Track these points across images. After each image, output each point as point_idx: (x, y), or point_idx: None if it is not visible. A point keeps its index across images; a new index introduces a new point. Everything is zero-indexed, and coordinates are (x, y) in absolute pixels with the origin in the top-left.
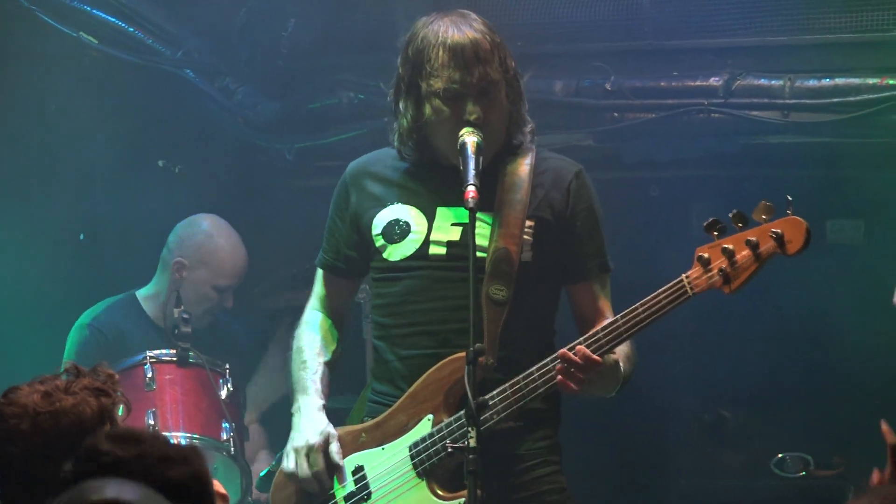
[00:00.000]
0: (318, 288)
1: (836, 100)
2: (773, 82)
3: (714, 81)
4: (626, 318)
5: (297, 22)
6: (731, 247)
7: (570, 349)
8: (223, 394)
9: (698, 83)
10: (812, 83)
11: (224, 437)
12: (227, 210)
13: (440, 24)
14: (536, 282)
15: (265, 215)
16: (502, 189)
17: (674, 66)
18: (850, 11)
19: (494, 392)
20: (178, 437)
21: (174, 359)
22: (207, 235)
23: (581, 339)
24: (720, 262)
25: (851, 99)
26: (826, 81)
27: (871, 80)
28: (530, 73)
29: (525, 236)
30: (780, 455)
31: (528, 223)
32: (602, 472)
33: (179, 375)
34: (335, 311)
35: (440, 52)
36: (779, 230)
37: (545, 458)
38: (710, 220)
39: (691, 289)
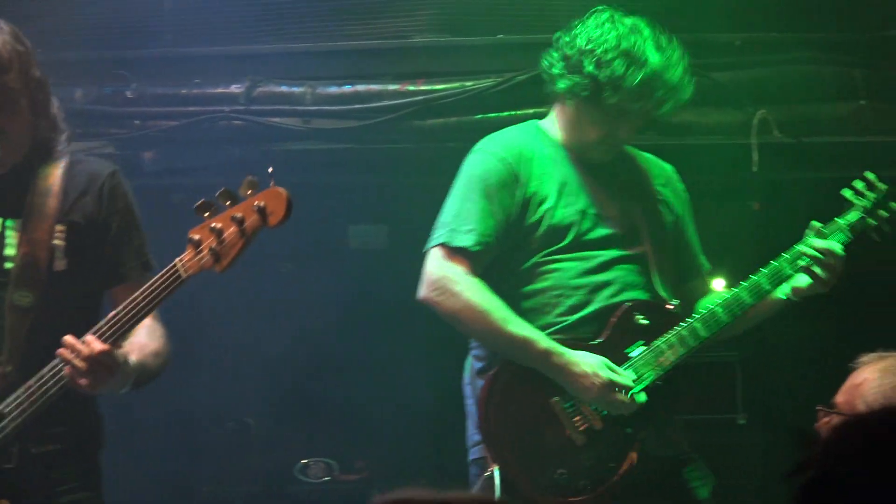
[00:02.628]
0: None
1: (357, 106)
2: (294, 89)
3: (235, 89)
4: (127, 308)
5: None
6: (219, 225)
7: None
8: None
9: (220, 90)
10: (333, 90)
11: None
12: None
13: None
14: (69, 287)
15: None
16: (33, 195)
17: (196, 73)
18: (370, 19)
19: (9, 399)
20: None
21: None
22: None
23: (88, 333)
24: (210, 242)
25: (372, 105)
26: (347, 88)
27: (391, 87)
28: (50, 80)
29: (56, 241)
30: (303, 461)
31: (58, 228)
32: (128, 485)
33: None
34: None
35: None
36: (261, 203)
37: (82, 483)
38: (201, 201)
39: (185, 271)
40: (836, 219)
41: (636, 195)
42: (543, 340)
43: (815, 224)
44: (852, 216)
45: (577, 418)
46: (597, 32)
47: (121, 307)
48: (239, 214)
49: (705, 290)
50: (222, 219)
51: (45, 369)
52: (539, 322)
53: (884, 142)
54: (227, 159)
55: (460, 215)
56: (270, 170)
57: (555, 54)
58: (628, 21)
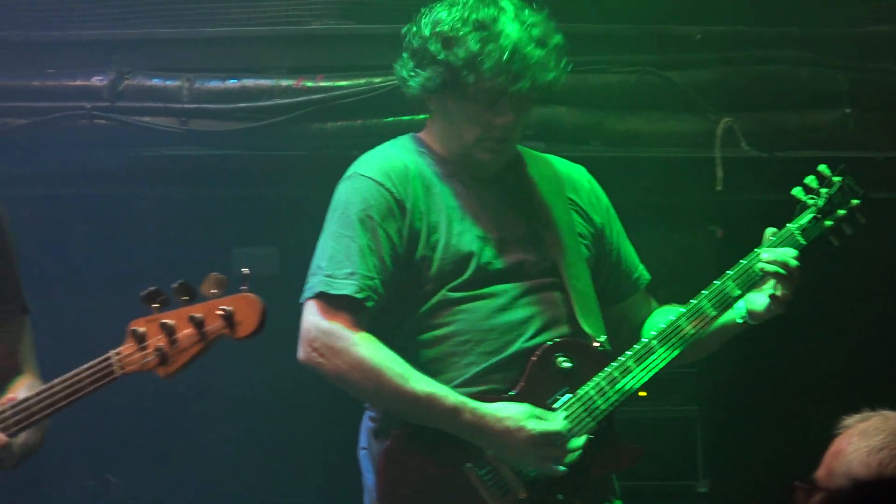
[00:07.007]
0: None
1: (242, 105)
2: (167, 83)
3: (98, 81)
4: (41, 397)
5: None
6: (171, 322)
7: None
8: None
9: (79, 83)
10: (215, 84)
11: None
12: None
13: None
14: None
15: None
16: None
17: (49, 62)
18: (257, 0)
19: None
20: None
21: None
22: None
23: None
24: (158, 340)
25: (261, 104)
26: (231, 83)
27: (284, 82)
28: None
29: None
30: None
31: None
32: None
33: None
34: None
35: None
36: (229, 308)
37: None
38: (151, 289)
39: (121, 367)
40: (787, 224)
41: (543, 209)
42: (451, 395)
43: (769, 231)
44: (804, 219)
45: (497, 488)
46: (443, 13)
47: (33, 395)
48: (199, 315)
49: (648, 308)
50: (176, 315)
51: None
52: (444, 375)
53: (871, 158)
54: (87, 166)
55: (336, 257)
56: (247, 271)
57: (403, 55)
58: None
